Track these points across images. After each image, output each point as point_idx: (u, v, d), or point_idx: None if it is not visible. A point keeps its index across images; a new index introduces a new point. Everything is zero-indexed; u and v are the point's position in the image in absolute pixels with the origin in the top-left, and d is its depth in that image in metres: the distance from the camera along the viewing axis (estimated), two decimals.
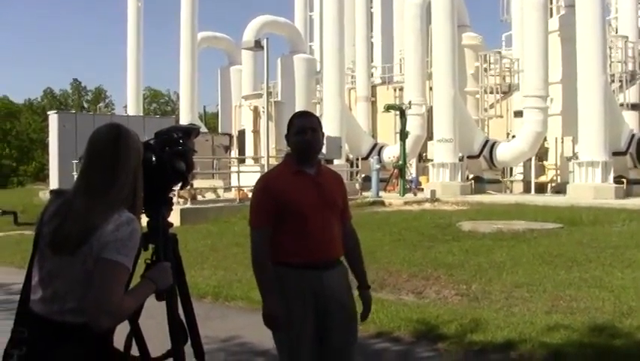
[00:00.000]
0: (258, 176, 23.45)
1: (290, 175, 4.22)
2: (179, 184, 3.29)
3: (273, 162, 25.24)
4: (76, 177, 2.87)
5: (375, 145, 36.17)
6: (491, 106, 35.59)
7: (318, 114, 36.46)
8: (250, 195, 25.63)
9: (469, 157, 31.36)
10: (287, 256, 4.13)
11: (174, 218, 3.73)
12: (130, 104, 44.92)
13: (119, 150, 2.83)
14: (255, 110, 28.35)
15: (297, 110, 34.25)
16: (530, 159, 31.22)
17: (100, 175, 2.80)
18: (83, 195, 2.80)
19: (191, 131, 3.31)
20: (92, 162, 2.83)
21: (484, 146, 31.45)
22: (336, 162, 28.47)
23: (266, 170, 20.59)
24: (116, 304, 2.67)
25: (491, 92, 35.39)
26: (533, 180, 31.18)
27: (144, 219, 3.16)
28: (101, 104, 74.94)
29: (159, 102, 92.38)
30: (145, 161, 2.98)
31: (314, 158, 4.27)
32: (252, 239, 4.20)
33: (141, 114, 43.68)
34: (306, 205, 4.14)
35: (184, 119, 40.27)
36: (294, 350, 4.15)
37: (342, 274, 4.30)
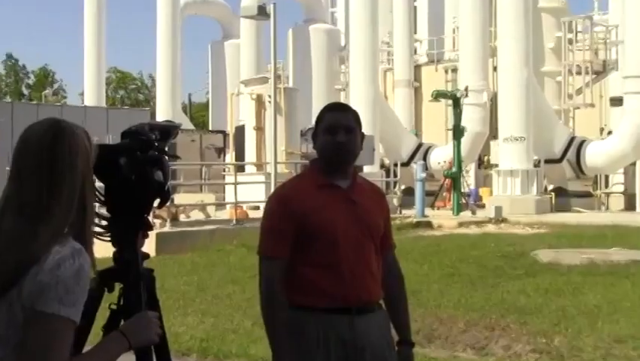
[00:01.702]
0: (261, 189, 24.27)
1: (315, 189, 4.27)
2: (157, 201, 3.33)
3: (282, 170, 25.50)
4: (3, 188, 2.78)
5: (419, 146, 36.16)
6: (578, 91, 35.43)
7: None
8: (250, 214, 24.48)
9: (547, 161, 31.20)
10: (308, 297, 4.18)
11: (148, 246, 3.72)
12: (88, 91, 45.19)
13: (59, 156, 2.73)
14: (259, 100, 28.33)
15: (314, 99, 34.88)
16: (634, 164, 31.09)
17: (35, 189, 2.70)
18: (15, 214, 2.70)
19: (169, 130, 3.40)
20: (24, 172, 2.73)
21: (568, 146, 31.49)
22: (366, 169, 28.44)
23: (273, 180, 21.29)
24: None
25: (578, 73, 35.21)
26: (639, 193, 30.95)
27: (109, 249, 3.19)
28: (47, 91, 74.91)
29: (128, 89, 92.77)
30: (115, 170, 3.02)
31: (348, 167, 4.33)
32: (262, 273, 4.24)
33: (104, 104, 44.12)
34: (336, 230, 4.19)
35: (162, 112, 40.34)
36: None
37: (382, 322, 4.35)
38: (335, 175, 4.28)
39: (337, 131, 4.21)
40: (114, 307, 3.23)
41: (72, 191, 2.73)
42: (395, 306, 4.46)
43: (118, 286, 3.25)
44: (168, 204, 16.59)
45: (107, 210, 3.26)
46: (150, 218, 3.44)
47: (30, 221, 2.65)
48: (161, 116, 39.29)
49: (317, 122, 4.33)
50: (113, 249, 3.30)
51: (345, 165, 4.30)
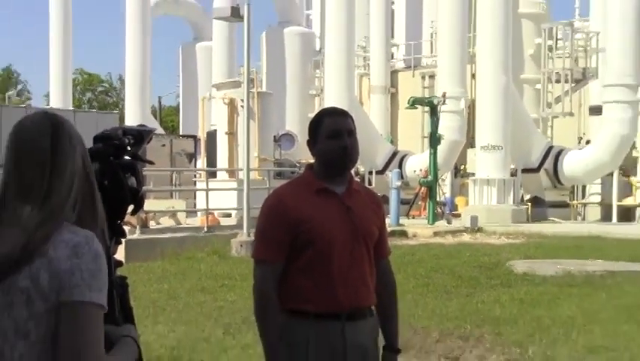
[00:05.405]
0: (233, 196, 24.44)
1: (311, 194, 4.36)
2: (131, 207, 3.22)
3: (255, 176, 25.43)
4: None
5: (394, 154, 36.31)
6: (557, 100, 35.63)
7: (316, 110, 35.22)
8: (221, 221, 23.33)
9: (524, 171, 31.44)
10: (298, 302, 4.30)
11: (118, 253, 3.61)
12: (54, 93, 44.68)
13: (59, 141, 2.73)
14: (231, 104, 28.39)
15: (288, 104, 34.86)
16: (612, 174, 31.30)
17: (35, 173, 2.69)
18: (16, 197, 2.67)
19: (143, 134, 3.29)
20: (22, 160, 2.70)
21: (546, 155, 31.72)
22: None
23: (245, 187, 21.56)
24: None
25: (558, 81, 35.43)
26: (616, 203, 31.32)
27: None
28: (11, 92, 73.95)
29: (96, 91, 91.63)
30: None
31: (347, 171, 4.43)
32: (255, 277, 4.36)
33: (70, 107, 43.60)
34: (329, 236, 4.29)
35: (132, 115, 40.05)
36: None
37: (373, 329, 4.50)
38: (333, 180, 4.38)
39: (341, 136, 4.30)
40: None
41: (72, 178, 2.71)
42: (385, 313, 4.58)
43: None
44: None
45: None
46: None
47: (30, 204, 2.64)
48: (130, 120, 39.57)
49: (315, 126, 4.41)
50: None
51: (348, 169, 4.41)
